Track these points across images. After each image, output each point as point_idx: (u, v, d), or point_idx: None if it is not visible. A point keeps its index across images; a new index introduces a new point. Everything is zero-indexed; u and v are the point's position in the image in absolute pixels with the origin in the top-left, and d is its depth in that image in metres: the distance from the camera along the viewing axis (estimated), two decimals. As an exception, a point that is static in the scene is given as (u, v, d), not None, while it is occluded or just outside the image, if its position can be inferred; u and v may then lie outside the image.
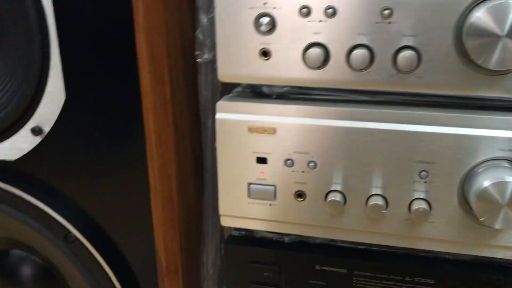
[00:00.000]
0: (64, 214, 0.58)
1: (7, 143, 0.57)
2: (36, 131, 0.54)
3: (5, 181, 0.58)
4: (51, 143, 0.56)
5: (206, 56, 0.54)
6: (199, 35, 0.53)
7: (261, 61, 0.48)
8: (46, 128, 0.55)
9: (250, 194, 0.53)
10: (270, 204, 0.53)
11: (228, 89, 0.60)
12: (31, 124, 0.55)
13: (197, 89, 0.59)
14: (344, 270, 0.55)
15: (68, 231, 0.58)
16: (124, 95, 0.51)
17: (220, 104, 0.51)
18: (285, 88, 0.52)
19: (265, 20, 0.46)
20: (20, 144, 0.56)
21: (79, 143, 0.55)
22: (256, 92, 0.53)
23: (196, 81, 0.58)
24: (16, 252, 0.72)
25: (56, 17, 0.50)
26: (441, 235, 0.50)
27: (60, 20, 0.50)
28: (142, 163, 0.53)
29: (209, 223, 0.66)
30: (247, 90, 0.55)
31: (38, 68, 0.52)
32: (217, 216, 0.67)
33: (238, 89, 0.57)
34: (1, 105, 0.54)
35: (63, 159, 0.56)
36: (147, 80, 0.49)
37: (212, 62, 0.57)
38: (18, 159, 0.57)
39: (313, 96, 0.51)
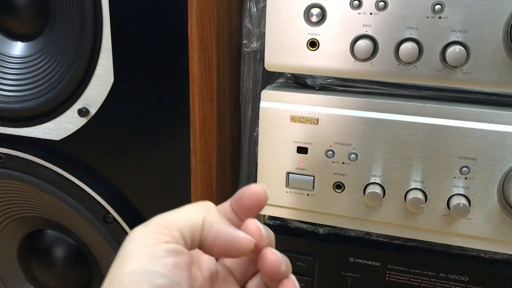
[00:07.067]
0: (104, 195, 0.60)
1: (54, 123, 0.58)
2: (83, 112, 0.56)
3: (49, 160, 0.59)
4: (96, 125, 0.57)
5: (253, 45, 0.55)
6: (248, 24, 0.54)
7: (308, 51, 0.49)
8: (93, 110, 0.56)
9: (288, 183, 0.54)
10: (308, 194, 0.54)
11: (268, 81, 0.61)
12: (78, 105, 0.56)
13: (238, 79, 0.60)
14: (378, 263, 0.55)
15: (107, 212, 0.60)
16: (172, 81, 0.52)
17: (265, 92, 0.52)
18: (328, 80, 0.52)
19: (316, 11, 0.47)
20: (66, 124, 0.58)
21: (123, 126, 0.57)
22: (299, 83, 0.54)
23: (239, 71, 0.59)
24: (49, 232, 0.73)
25: (109, 0, 0.52)
26: (478, 232, 0.50)
27: (113, 3, 0.52)
28: (185, 147, 0.54)
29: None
30: (290, 81, 0.56)
31: (89, 50, 0.53)
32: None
33: (280, 80, 0.58)
34: (51, 85, 0.56)
35: (107, 141, 0.58)
36: (197, 66, 0.50)
37: (256, 53, 0.58)
38: (63, 139, 0.59)
39: (356, 89, 0.52)
